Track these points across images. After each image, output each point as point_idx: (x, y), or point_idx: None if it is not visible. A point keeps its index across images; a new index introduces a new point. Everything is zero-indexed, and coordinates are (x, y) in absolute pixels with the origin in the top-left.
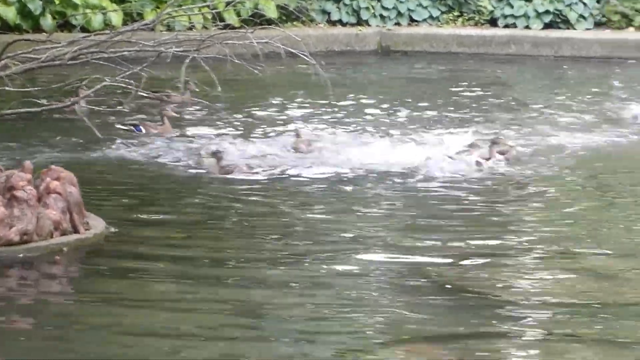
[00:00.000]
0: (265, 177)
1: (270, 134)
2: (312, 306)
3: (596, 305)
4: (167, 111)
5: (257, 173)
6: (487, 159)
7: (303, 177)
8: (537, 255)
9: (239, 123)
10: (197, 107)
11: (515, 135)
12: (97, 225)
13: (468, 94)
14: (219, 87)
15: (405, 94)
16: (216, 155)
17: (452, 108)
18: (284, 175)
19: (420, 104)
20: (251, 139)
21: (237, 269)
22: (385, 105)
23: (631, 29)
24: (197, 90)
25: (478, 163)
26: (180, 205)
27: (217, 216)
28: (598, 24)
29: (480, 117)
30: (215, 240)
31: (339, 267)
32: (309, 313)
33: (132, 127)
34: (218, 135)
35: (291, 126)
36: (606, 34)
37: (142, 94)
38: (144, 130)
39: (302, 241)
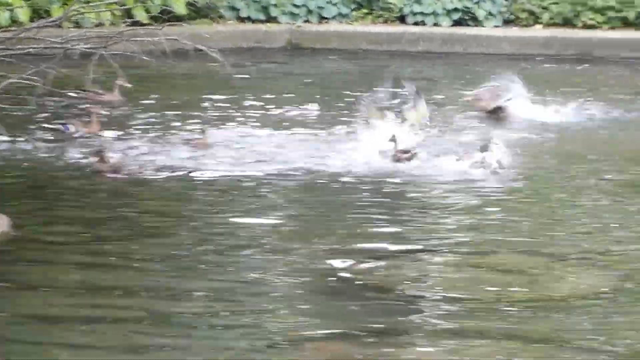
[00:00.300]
0: (163, 177)
1: (175, 132)
2: (218, 309)
3: (504, 302)
4: (95, 109)
5: (144, 172)
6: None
7: (204, 176)
8: (447, 254)
9: (144, 121)
10: (125, 106)
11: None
12: (2, 223)
13: (379, 89)
14: (128, 85)
15: (314, 90)
16: (99, 154)
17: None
18: (180, 175)
19: (327, 101)
20: (155, 136)
21: (139, 274)
22: (293, 102)
23: (538, 26)
24: (128, 86)
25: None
26: (81, 205)
27: (119, 218)
28: (506, 22)
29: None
30: (118, 242)
31: (242, 272)
32: (213, 318)
33: (60, 126)
34: (124, 133)
35: (197, 124)
36: (514, 31)
37: (71, 93)
38: (72, 129)
39: (202, 245)
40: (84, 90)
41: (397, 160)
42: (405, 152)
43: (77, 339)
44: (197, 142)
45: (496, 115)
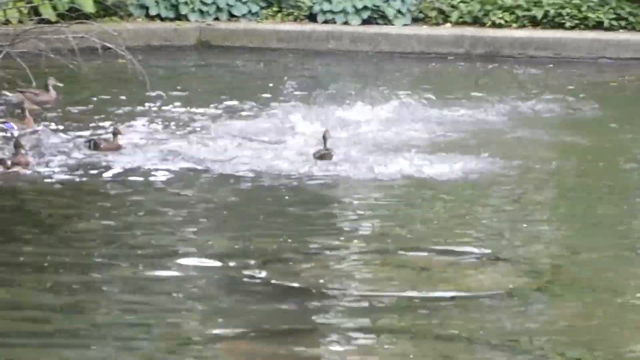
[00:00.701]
0: (67, 177)
1: (84, 130)
2: (128, 309)
3: (415, 299)
4: (28, 105)
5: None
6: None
7: (111, 176)
8: (358, 252)
9: (53, 119)
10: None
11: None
12: None
13: (286, 87)
14: (34, 82)
15: (225, 88)
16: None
17: (272, 102)
18: (81, 174)
19: (237, 98)
20: (61, 134)
21: (48, 273)
22: (202, 100)
23: (448, 24)
24: (60, 85)
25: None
26: None
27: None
28: (416, 20)
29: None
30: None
31: (156, 272)
32: (126, 316)
33: (1, 125)
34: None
35: (105, 122)
36: (423, 29)
37: (7, 93)
38: (15, 127)
39: (113, 245)
40: (21, 91)
41: (320, 157)
42: (327, 149)
43: None
44: (106, 145)
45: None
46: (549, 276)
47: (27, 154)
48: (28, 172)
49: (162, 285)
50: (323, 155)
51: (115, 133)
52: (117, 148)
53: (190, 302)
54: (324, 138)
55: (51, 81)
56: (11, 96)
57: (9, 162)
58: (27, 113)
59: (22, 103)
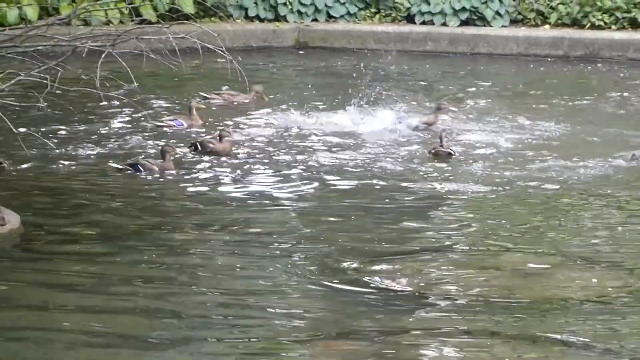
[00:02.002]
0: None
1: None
2: (227, 299)
3: (513, 302)
4: (196, 103)
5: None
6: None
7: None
8: (457, 252)
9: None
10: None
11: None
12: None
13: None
14: (135, 83)
15: (323, 88)
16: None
17: (375, 103)
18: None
19: (337, 99)
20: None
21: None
22: (301, 100)
23: (547, 26)
24: (264, 93)
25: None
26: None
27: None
28: (514, 21)
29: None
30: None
31: (254, 261)
32: (225, 306)
33: (171, 123)
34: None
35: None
36: (522, 31)
37: (207, 95)
38: (184, 124)
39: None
40: (218, 93)
41: (435, 154)
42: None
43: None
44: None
45: None
46: None
47: (172, 161)
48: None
49: (253, 282)
50: (437, 153)
51: (222, 136)
52: (227, 151)
53: (283, 301)
54: (440, 138)
55: (255, 87)
56: (210, 98)
57: (156, 168)
58: (194, 111)
59: (190, 101)
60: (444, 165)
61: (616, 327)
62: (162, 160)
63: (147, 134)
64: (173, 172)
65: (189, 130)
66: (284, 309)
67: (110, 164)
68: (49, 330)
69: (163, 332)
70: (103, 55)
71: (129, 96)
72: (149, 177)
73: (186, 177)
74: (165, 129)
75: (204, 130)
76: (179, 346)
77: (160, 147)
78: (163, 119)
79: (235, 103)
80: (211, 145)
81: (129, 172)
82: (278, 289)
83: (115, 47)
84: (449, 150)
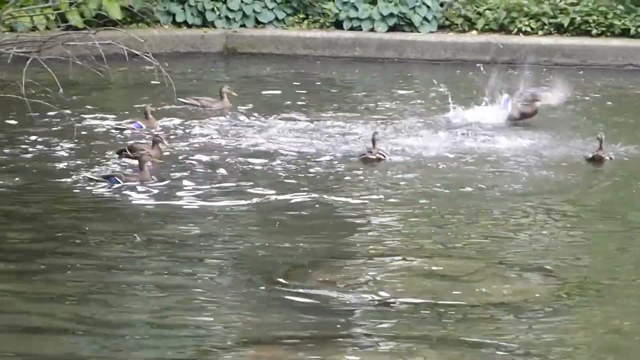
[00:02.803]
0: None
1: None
2: (156, 310)
3: (441, 306)
4: (226, 89)
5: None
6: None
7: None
8: (383, 256)
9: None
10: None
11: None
12: None
13: (317, 94)
14: (61, 90)
15: (250, 95)
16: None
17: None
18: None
19: (263, 104)
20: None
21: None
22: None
23: (474, 32)
24: (234, 94)
25: None
26: None
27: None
28: (442, 27)
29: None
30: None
31: (186, 270)
32: (153, 317)
33: (130, 125)
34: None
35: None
36: (449, 36)
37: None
38: (143, 126)
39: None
40: (196, 99)
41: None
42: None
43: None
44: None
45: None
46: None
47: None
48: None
49: (188, 287)
50: (367, 159)
51: (155, 142)
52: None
53: (215, 307)
54: (373, 141)
55: (225, 89)
56: (188, 102)
57: (135, 180)
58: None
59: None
60: (375, 170)
61: (541, 333)
62: (138, 171)
63: (73, 142)
64: (150, 182)
65: (145, 132)
66: (215, 316)
67: (85, 175)
68: None
69: (86, 350)
70: (28, 62)
71: (56, 102)
72: (119, 189)
73: (150, 188)
74: (119, 132)
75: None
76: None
77: (152, 138)
78: (122, 122)
79: (211, 109)
80: (142, 151)
81: (104, 184)
82: (210, 297)
83: (41, 54)
84: (379, 155)
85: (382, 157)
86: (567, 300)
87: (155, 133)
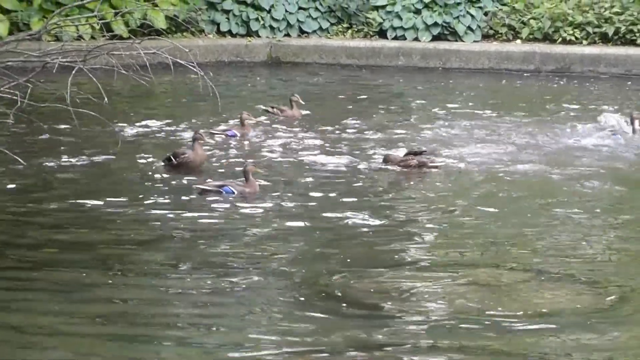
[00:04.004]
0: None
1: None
2: (208, 318)
3: (485, 317)
4: (296, 98)
5: None
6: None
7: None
8: (427, 267)
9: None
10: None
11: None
12: None
13: (363, 103)
14: (106, 99)
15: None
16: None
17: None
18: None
19: (318, 114)
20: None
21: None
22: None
23: (518, 41)
24: (303, 103)
25: None
26: None
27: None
28: (486, 36)
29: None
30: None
31: (233, 279)
32: (196, 323)
33: (227, 132)
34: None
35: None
36: (493, 46)
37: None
38: (238, 134)
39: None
40: (272, 107)
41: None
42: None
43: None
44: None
45: None
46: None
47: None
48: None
49: (234, 297)
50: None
51: (196, 139)
52: (200, 159)
53: (261, 317)
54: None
55: (295, 98)
56: (270, 111)
57: (247, 190)
58: (294, 105)
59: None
60: (417, 177)
61: (590, 343)
62: (244, 181)
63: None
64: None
65: (241, 139)
66: (259, 327)
67: (196, 185)
68: None
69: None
70: (74, 71)
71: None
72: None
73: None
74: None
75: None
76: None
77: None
78: (218, 128)
79: (284, 117)
80: (183, 155)
81: (218, 194)
82: (253, 309)
83: (86, 63)
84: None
85: (429, 163)
86: (611, 312)
87: (197, 132)
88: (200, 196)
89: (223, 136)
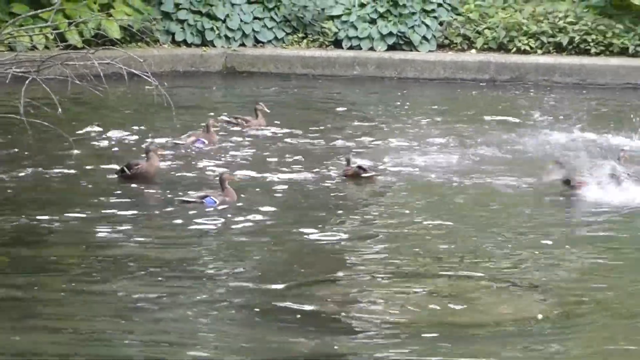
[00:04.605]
0: None
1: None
2: (162, 334)
3: (444, 326)
4: (261, 107)
5: None
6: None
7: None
8: (384, 277)
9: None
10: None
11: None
12: None
13: (319, 113)
14: (59, 109)
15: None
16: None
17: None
18: None
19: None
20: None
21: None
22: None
23: (473, 51)
24: (267, 111)
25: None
26: None
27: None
28: (441, 46)
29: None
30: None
31: (186, 293)
32: (150, 341)
33: (234, 121)
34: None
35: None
36: (448, 55)
37: (226, 118)
38: (205, 142)
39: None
40: (235, 118)
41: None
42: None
43: None
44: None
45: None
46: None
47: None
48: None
49: (193, 311)
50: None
51: (149, 151)
52: (154, 170)
53: (218, 329)
54: (347, 160)
55: (259, 106)
56: (226, 121)
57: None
58: (259, 114)
59: (256, 103)
60: (368, 188)
61: (541, 351)
62: (220, 190)
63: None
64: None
65: (207, 147)
66: (215, 341)
67: (179, 198)
68: None
69: None
70: (27, 82)
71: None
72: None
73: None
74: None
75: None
76: None
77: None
78: (183, 137)
79: (249, 128)
80: (137, 166)
81: (199, 204)
82: (208, 323)
83: (40, 73)
84: (358, 170)
85: (364, 171)
86: (567, 320)
87: (149, 142)
88: (182, 206)
89: (188, 145)
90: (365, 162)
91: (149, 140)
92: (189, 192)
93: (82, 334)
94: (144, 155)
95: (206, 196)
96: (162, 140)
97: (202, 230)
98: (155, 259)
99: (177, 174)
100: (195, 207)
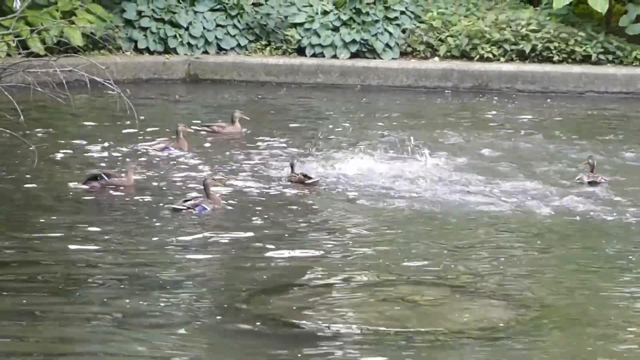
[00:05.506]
0: None
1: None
2: (122, 343)
3: (406, 334)
4: (238, 114)
5: None
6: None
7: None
8: (348, 285)
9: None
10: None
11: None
12: None
13: (282, 120)
14: (22, 117)
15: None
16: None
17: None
18: None
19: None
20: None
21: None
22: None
23: (436, 58)
24: (247, 118)
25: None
26: None
27: None
28: (404, 54)
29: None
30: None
31: (148, 303)
32: (113, 353)
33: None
34: None
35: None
36: (411, 63)
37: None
38: (225, 130)
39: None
40: (209, 125)
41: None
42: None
43: None
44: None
45: None
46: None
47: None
48: None
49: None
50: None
51: (130, 168)
52: (130, 186)
53: (177, 341)
54: (292, 166)
55: (237, 114)
56: (200, 130)
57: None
58: (236, 121)
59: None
60: (324, 195)
61: (511, 357)
62: (205, 195)
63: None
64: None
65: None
66: (178, 350)
67: (169, 205)
68: None
69: None
70: None
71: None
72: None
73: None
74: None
75: (190, 154)
76: None
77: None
78: (153, 143)
79: (222, 134)
80: (115, 178)
81: (192, 212)
82: (171, 331)
83: (2, 81)
84: (301, 177)
85: (308, 178)
86: (530, 327)
87: (133, 160)
88: (174, 214)
89: (158, 152)
90: (307, 170)
91: (129, 160)
92: (181, 200)
93: (41, 339)
94: (115, 170)
95: (197, 204)
96: (128, 148)
97: (163, 242)
98: (114, 269)
99: (146, 183)
100: (175, 216)
